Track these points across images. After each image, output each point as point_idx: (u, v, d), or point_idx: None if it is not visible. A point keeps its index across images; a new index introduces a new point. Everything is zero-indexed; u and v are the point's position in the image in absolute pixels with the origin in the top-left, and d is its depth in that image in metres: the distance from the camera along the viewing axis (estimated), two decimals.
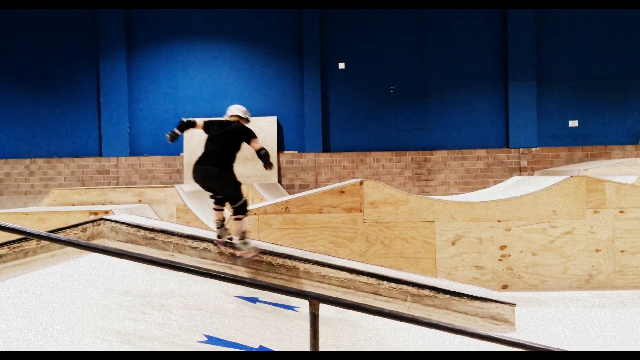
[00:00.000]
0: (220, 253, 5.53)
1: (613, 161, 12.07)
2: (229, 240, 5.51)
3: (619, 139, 14.78)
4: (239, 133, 5.41)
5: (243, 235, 5.36)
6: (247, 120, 5.62)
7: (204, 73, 15.21)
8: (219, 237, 5.51)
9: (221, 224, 5.50)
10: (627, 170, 10.17)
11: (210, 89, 15.19)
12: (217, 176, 5.31)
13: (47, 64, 15.19)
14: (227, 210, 5.55)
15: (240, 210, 5.31)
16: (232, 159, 5.39)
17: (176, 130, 5.44)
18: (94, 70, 15.19)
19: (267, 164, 5.33)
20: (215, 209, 5.55)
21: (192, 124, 5.52)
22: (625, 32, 14.77)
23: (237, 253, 5.35)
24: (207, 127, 5.51)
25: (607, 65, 14.79)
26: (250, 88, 15.17)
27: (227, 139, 5.35)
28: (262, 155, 5.32)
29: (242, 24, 15.10)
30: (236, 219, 5.33)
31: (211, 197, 5.56)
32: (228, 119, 5.59)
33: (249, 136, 5.39)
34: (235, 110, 5.61)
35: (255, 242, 5.49)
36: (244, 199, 5.35)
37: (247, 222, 5.43)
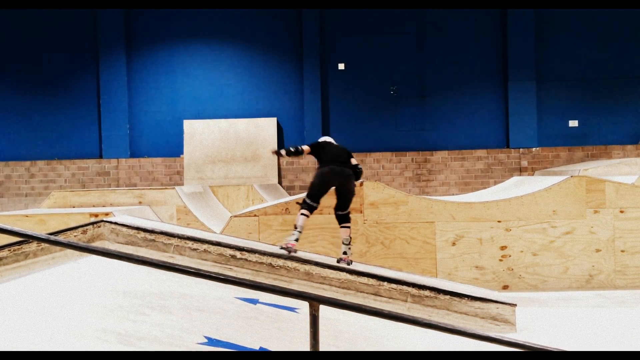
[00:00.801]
0: (221, 254, 5.54)
1: (613, 161, 12.07)
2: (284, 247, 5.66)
3: (619, 139, 14.78)
4: (346, 152, 6.07)
5: (349, 241, 5.84)
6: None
7: (204, 74, 15.22)
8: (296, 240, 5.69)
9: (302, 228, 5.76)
10: (627, 170, 10.17)
11: (211, 90, 15.20)
12: (349, 180, 5.81)
13: (47, 66, 15.21)
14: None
15: (348, 218, 5.85)
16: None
17: (283, 154, 6.12)
18: (94, 72, 15.21)
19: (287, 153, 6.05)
20: (304, 214, 5.79)
21: (300, 152, 6.09)
22: (625, 32, 14.77)
23: (344, 257, 5.76)
24: (318, 148, 6.06)
25: (607, 65, 14.79)
26: (251, 89, 15.19)
27: (344, 155, 5.97)
28: (357, 172, 5.92)
29: (242, 25, 15.11)
30: (346, 227, 5.84)
31: (311, 202, 5.75)
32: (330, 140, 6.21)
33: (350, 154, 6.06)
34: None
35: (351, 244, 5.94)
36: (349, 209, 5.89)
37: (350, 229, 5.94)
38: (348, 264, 5.67)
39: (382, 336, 4.34)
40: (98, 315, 3.26)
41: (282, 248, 5.62)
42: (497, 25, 14.93)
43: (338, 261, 5.72)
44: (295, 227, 5.70)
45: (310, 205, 5.73)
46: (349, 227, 5.86)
